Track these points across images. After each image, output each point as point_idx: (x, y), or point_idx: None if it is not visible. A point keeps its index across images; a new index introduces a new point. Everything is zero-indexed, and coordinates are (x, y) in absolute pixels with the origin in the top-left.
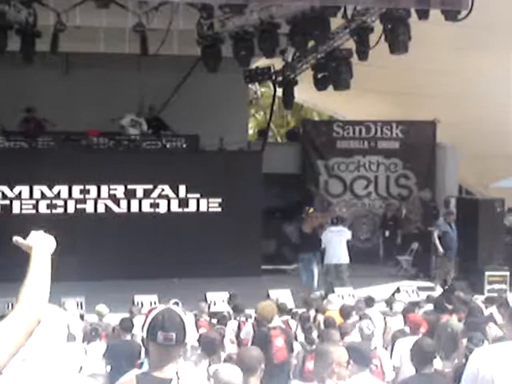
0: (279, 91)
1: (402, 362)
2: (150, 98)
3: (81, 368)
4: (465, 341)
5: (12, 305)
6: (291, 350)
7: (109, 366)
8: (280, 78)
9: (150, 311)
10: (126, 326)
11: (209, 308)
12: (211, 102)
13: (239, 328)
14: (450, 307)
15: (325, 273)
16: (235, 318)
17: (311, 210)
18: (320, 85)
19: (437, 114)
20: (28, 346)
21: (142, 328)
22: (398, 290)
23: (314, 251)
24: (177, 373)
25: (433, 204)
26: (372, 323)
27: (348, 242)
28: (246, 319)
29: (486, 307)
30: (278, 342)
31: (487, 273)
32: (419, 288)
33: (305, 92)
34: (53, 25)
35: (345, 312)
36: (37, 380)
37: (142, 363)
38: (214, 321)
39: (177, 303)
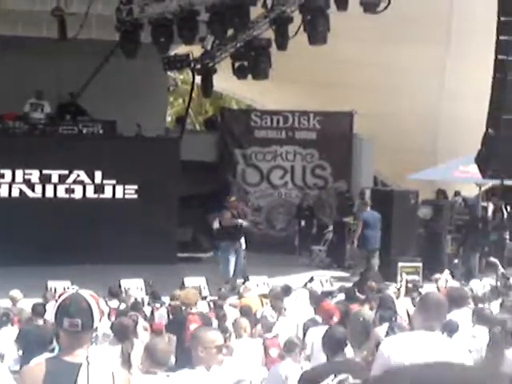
0: (198, 79)
1: (313, 350)
2: (68, 82)
3: None
4: (377, 330)
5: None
6: None
7: (21, 351)
8: (199, 66)
9: (59, 296)
10: (39, 311)
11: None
12: (129, 88)
13: (152, 314)
14: (362, 297)
15: None
16: (149, 305)
17: (233, 198)
18: (239, 74)
19: (354, 105)
20: None
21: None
22: (311, 280)
23: (232, 240)
24: (87, 357)
25: (348, 195)
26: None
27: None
28: (161, 305)
29: (397, 297)
30: (193, 326)
31: (400, 264)
32: (333, 278)
33: (224, 80)
34: None
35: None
36: None
37: (53, 348)
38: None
39: None
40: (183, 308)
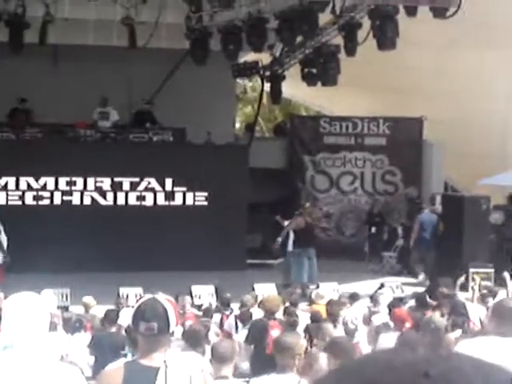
0: (267, 86)
1: None
2: (138, 91)
3: (62, 357)
4: (449, 336)
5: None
6: None
7: (93, 357)
8: (268, 73)
9: (137, 301)
10: (111, 317)
11: (193, 301)
12: (199, 96)
13: (222, 321)
14: (433, 303)
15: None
16: (220, 311)
17: (307, 204)
18: (308, 80)
19: (423, 111)
20: (10, 334)
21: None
22: (382, 286)
23: (304, 246)
24: (165, 361)
25: (418, 201)
26: (356, 318)
27: None
28: (230, 313)
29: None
30: (275, 333)
31: (472, 270)
32: (404, 284)
33: (292, 87)
34: (41, 16)
35: (331, 306)
36: (18, 367)
37: (125, 354)
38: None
39: None
40: (263, 314)
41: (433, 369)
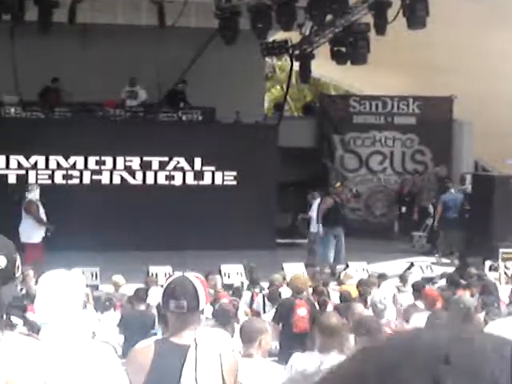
0: (296, 65)
1: None
2: (167, 70)
3: (94, 335)
4: (479, 316)
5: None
6: (313, 321)
7: (122, 336)
8: (297, 52)
9: (166, 280)
10: (141, 296)
11: (222, 280)
12: (228, 75)
13: (252, 299)
14: (463, 283)
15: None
16: (250, 291)
17: (338, 184)
18: (337, 59)
19: (453, 90)
20: (43, 312)
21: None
22: (411, 266)
23: (333, 226)
24: (195, 339)
25: (448, 180)
26: (385, 298)
27: None
28: (260, 291)
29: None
30: (301, 311)
31: (501, 250)
32: (433, 264)
33: (322, 66)
34: None
35: (361, 286)
36: (52, 345)
37: (155, 333)
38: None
39: None
40: (291, 293)
41: (454, 353)
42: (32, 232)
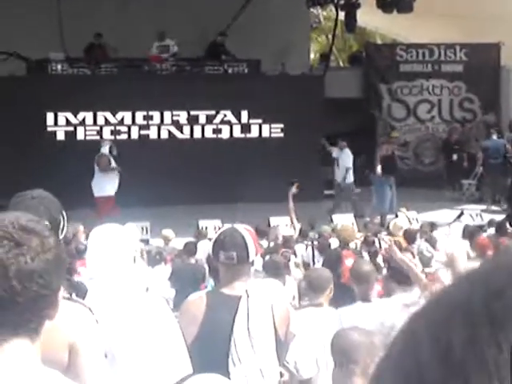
0: (341, 14)
1: None
2: (212, 22)
3: (147, 289)
4: None
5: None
6: None
7: (173, 290)
8: (342, 1)
9: (216, 233)
10: (190, 249)
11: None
12: (272, 27)
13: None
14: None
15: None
16: (298, 242)
17: (395, 133)
18: (383, 8)
19: (501, 37)
20: (96, 265)
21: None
22: (461, 214)
23: (387, 174)
24: (246, 290)
25: (497, 128)
26: (431, 246)
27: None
28: (312, 242)
29: None
30: (349, 262)
31: None
32: (483, 211)
33: (367, 15)
34: None
35: (409, 236)
36: (106, 298)
37: (206, 286)
38: None
39: None
40: (338, 244)
41: None
42: (104, 185)
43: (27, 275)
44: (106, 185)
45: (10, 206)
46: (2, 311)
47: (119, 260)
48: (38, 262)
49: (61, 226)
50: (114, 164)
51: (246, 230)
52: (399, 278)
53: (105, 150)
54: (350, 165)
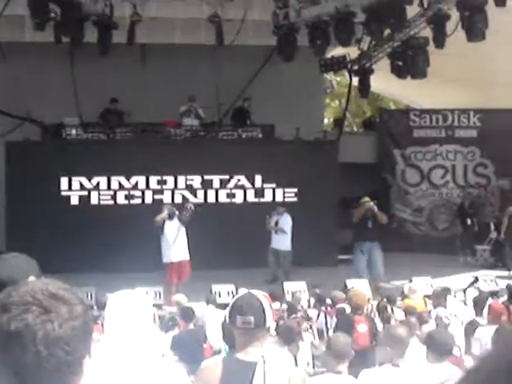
0: (355, 80)
1: (482, 350)
2: (226, 88)
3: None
4: None
5: (91, 294)
6: (374, 337)
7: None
8: (356, 67)
9: (233, 297)
10: (188, 314)
11: (284, 297)
12: (286, 92)
13: (318, 317)
14: None
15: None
16: (315, 307)
17: (366, 199)
18: (397, 73)
19: None
20: (115, 329)
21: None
22: (476, 280)
23: (358, 241)
24: (262, 356)
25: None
26: (450, 313)
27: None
28: (326, 308)
29: None
30: (361, 328)
31: None
32: (498, 277)
33: (381, 81)
34: (129, 16)
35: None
36: (125, 362)
37: (219, 350)
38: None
39: None
40: (350, 310)
41: None
42: (164, 251)
43: (54, 342)
44: (164, 250)
45: None
46: (27, 376)
47: (137, 326)
48: (65, 329)
49: None
50: (168, 229)
51: (262, 295)
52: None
53: (164, 214)
54: (288, 230)
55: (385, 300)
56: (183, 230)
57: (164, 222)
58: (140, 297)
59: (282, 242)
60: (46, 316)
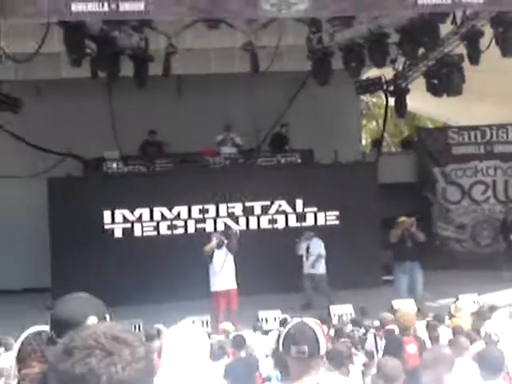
0: (391, 100)
1: None
2: (262, 115)
3: None
4: None
5: (139, 326)
6: None
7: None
8: (391, 88)
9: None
10: (239, 342)
11: (331, 321)
12: (323, 115)
13: (365, 338)
14: None
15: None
16: (360, 329)
17: (402, 219)
18: (432, 92)
19: None
20: (174, 363)
21: (278, 342)
22: None
23: (398, 261)
24: (318, 383)
25: None
26: (498, 329)
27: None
28: (374, 329)
29: None
30: (411, 348)
31: None
32: None
33: (417, 100)
34: (164, 48)
35: (475, 318)
36: None
37: (269, 378)
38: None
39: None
40: (398, 331)
41: None
42: (212, 280)
43: None
44: (211, 279)
45: (57, 307)
46: None
47: (194, 360)
48: (128, 372)
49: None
50: (216, 257)
51: (315, 323)
52: None
53: (213, 243)
54: (322, 252)
55: (433, 319)
56: (231, 258)
57: (213, 251)
58: (197, 331)
59: (317, 266)
60: (110, 359)
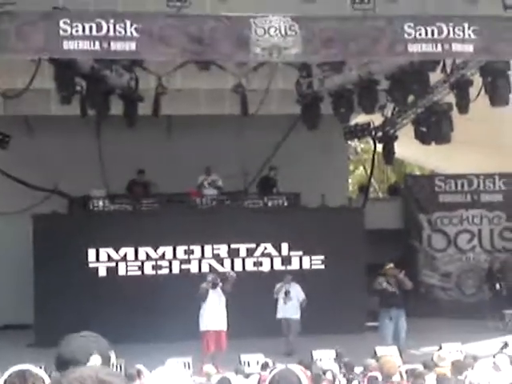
0: (379, 146)
1: None
2: (250, 157)
3: None
4: None
5: (121, 366)
6: None
7: None
8: (380, 134)
9: (270, 371)
10: None
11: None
12: (311, 160)
13: None
14: None
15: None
16: (344, 376)
17: (389, 265)
18: (421, 139)
19: None
20: None
21: None
22: (505, 345)
23: (384, 308)
24: None
25: None
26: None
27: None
28: (355, 376)
29: None
30: None
31: None
32: None
33: (405, 147)
34: (154, 88)
35: (457, 368)
36: None
37: None
38: None
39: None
40: (382, 378)
41: None
42: (202, 319)
43: None
44: (201, 318)
45: (60, 347)
46: None
47: None
48: None
49: (111, 362)
50: (210, 298)
51: (300, 370)
52: None
53: (206, 284)
54: (303, 296)
55: (423, 367)
56: (224, 299)
57: (207, 291)
58: (179, 373)
59: (293, 310)
60: None
